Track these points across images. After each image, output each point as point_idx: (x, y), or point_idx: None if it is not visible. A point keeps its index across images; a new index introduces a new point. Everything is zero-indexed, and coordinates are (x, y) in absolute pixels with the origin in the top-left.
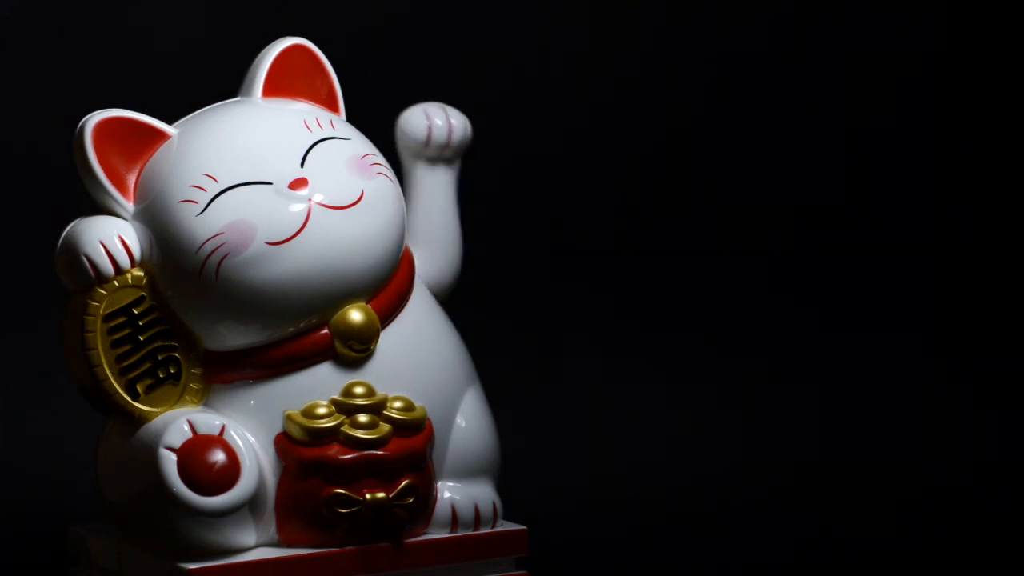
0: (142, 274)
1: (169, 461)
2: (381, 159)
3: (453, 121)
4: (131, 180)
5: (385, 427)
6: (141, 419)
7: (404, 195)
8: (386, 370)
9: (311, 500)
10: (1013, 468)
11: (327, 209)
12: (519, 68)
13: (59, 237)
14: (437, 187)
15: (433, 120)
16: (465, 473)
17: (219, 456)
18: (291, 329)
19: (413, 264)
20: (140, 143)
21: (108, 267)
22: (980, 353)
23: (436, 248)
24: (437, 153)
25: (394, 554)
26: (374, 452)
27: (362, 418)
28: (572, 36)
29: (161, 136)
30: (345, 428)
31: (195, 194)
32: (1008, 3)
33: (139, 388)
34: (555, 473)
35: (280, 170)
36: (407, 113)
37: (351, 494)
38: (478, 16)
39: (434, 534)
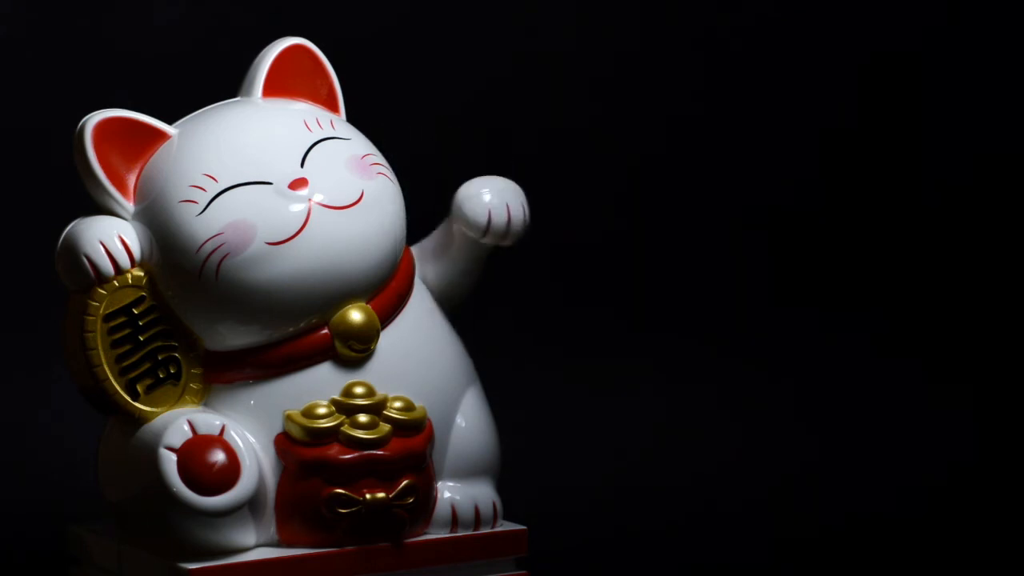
0: (142, 274)
1: (169, 461)
2: (381, 159)
3: (513, 212)
4: (131, 180)
5: (385, 427)
6: (141, 419)
7: (439, 234)
8: (386, 370)
9: (311, 500)
10: (1012, 467)
11: (327, 209)
12: (519, 68)
13: (59, 237)
14: (479, 256)
15: (493, 207)
16: (465, 473)
17: (219, 456)
18: (291, 329)
19: (413, 264)
20: (140, 143)
21: (108, 267)
22: (977, 352)
23: (453, 291)
24: (494, 242)
25: (394, 554)
26: (374, 452)
27: (362, 418)
28: (572, 36)
29: (161, 136)
30: (345, 428)
31: (195, 194)
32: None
33: (139, 388)
34: (555, 473)
35: (280, 170)
36: (466, 193)
37: (351, 494)
38: (478, 16)
39: (434, 534)
